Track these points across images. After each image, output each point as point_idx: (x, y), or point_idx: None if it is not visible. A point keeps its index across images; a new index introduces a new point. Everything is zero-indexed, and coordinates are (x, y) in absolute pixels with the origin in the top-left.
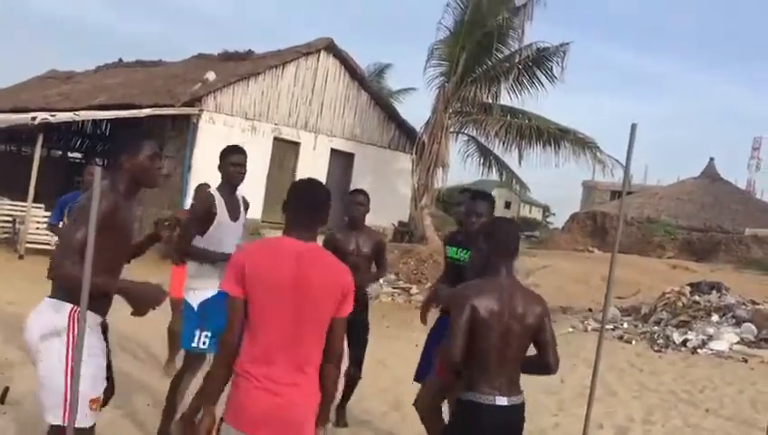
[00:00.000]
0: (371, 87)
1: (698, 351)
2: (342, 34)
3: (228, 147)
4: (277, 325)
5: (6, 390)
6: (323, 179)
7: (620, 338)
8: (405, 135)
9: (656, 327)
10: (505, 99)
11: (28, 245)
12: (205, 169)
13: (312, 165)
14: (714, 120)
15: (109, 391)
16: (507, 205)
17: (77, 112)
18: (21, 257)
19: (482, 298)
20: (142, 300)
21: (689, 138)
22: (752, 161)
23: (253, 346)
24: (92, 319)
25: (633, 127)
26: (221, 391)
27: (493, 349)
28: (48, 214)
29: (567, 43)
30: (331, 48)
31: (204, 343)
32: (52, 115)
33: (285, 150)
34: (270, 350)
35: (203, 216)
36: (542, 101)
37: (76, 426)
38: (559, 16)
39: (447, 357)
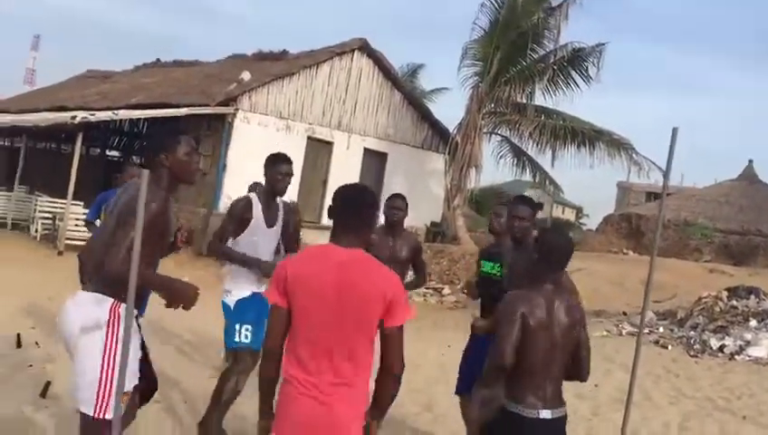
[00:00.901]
0: (405, 87)
1: (736, 357)
2: (375, 34)
3: (276, 155)
4: (321, 333)
5: (48, 384)
6: (356, 179)
7: (656, 343)
8: (438, 135)
9: (692, 332)
10: (539, 99)
11: (67, 241)
12: (239, 168)
13: (345, 164)
14: (753, 121)
15: (153, 386)
16: (539, 205)
17: (115, 111)
18: (60, 254)
19: (531, 308)
20: (178, 297)
21: (727, 139)
22: None
23: (297, 353)
24: (132, 315)
25: (674, 131)
26: (271, 395)
27: (539, 359)
28: (87, 211)
29: (603, 44)
30: (364, 48)
31: (246, 337)
32: (91, 114)
33: (319, 150)
34: (314, 357)
35: (237, 220)
36: (576, 102)
37: (105, 417)
38: (596, 13)
39: (495, 361)
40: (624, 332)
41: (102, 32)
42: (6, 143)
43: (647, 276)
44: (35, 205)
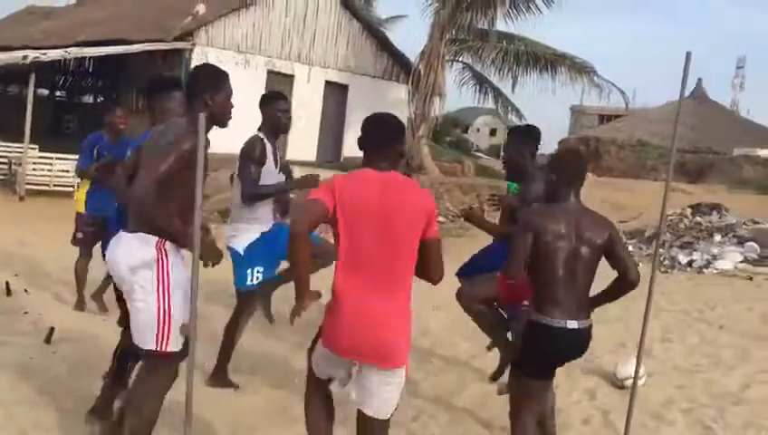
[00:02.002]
0: (363, 16)
1: (704, 270)
2: None
3: (271, 93)
4: (368, 250)
5: (52, 330)
6: (318, 112)
7: None
8: (399, 65)
9: (660, 249)
10: (501, 25)
11: (27, 186)
12: None
13: (307, 97)
14: (700, 40)
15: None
16: (493, 132)
17: (67, 50)
18: (21, 199)
19: (547, 222)
20: (204, 256)
21: (675, 58)
22: (736, 80)
23: (345, 271)
24: (176, 251)
25: (688, 55)
26: (308, 275)
27: (561, 271)
28: (44, 155)
29: None
30: None
31: (257, 279)
32: (43, 53)
33: (280, 83)
34: (361, 274)
35: (259, 162)
36: (537, 27)
37: (169, 350)
38: None
39: (506, 274)
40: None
41: None
42: None
43: (610, 198)
44: None
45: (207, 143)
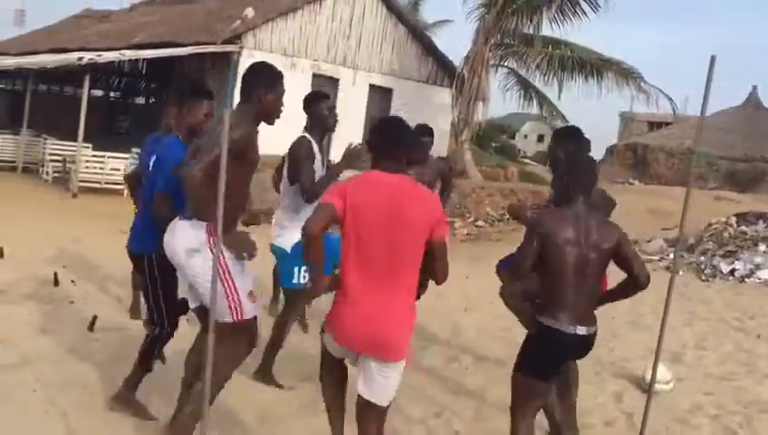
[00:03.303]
0: (409, 21)
1: (746, 280)
2: None
3: (315, 92)
4: (373, 250)
5: (95, 318)
6: (362, 115)
7: (667, 268)
8: (443, 69)
9: (702, 257)
10: (547, 29)
11: (80, 184)
12: None
13: (352, 101)
14: (757, 48)
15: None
16: (540, 138)
17: (122, 52)
18: (74, 196)
19: (557, 225)
20: (238, 249)
21: (731, 66)
22: None
23: (351, 268)
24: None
25: (712, 59)
26: (321, 265)
27: (569, 274)
28: (96, 153)
29: None
30: None
31: (304, 277)
32: (98, 55)
33: (325, 87)
34: (365, 272)
35: (311, 160)
36: (585, 31)
37: (244, 318)
38: None
39: (514, 272)
40: None
41: None
42: (6, 86)
43: (654, 205)
44: (44, 148)
45: (254, 132)
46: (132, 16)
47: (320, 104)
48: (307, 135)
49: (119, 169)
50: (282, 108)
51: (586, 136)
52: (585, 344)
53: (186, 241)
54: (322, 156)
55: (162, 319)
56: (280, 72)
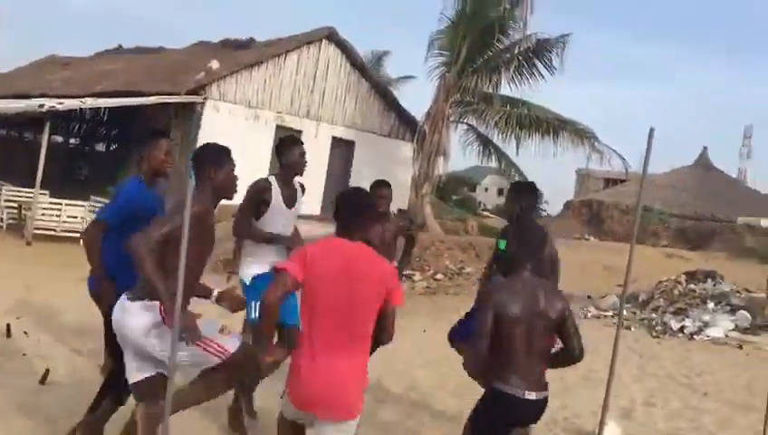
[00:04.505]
0: (372, 76)
1: (695, 337)
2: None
3: (287, 137)
4: (330, 314)
5: (47, 372)
6: (325, 167)
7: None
8: (405, 124)
9: (653, 314)
10: (505, 89)
11: (35, 231)
12: None
13: (314, 153)
14: (706, 110)
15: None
16: (500, 191)
17: (83, 100)
18: (29, 244)
19: (507, 297)
20: (186, 332)
21: (682, 127)
22: (743, 149)
23: (309, 331)
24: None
25: (651, 131)
26: (271, 334)
27: (519, 344)
28: (54, 200)
29: (567, 35)
30: (332, 37)
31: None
32: (59, 102)
33: None
34: (322, 335)
35: (256, 201)
36: (541, 91)
37: (232, 351)
38: (560, 4)
39: (474, 351)
40: (589, 315)
41: (58, 15)
42: None
43: (608, 262)
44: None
45: (214, 216)
46: (96, 64)
47: (293, 150)
48: (270, 177)
49: (76, 217)
50: (236, 181)
51: (538, 190)
52: (536, 410)
53: (142, 323)
54: (287, 197)
55: None
56: (227, 148)
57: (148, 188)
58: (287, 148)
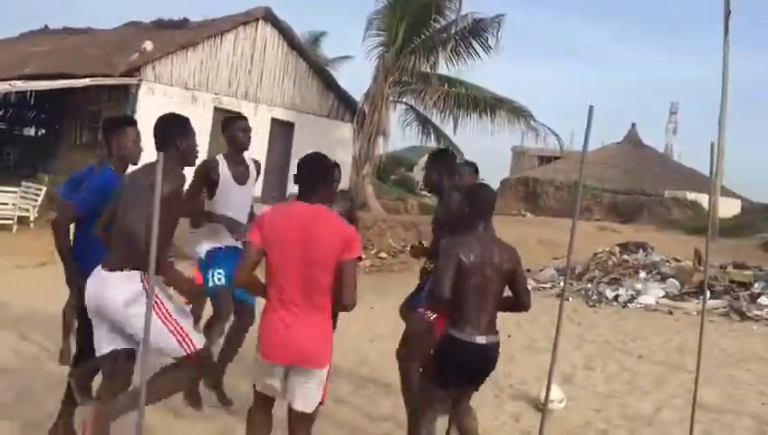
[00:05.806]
0: (310, 57)
1: (628, 305)
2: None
3: (230, 116)
4: (290, 270)
5: None
6: (264, 149)
7: (558, 296)
8: (344, 104)
9: (589, 285)
10: (443, 69)
11: None
12: (145, 140)
13: (254, 135)
14: (634, 87)
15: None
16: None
17: (12, 83)
18: None
19: (465, 249)
20: (181, 286)
21: (611, 103)
22: (669, 125)
23: (272, 288)
24: (157, 280)
25: (591, 109)
26: (258, 290)
27: (473, 293)
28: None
29: (501, 15)
30: (268, 17)
31: (219, 280)
32: None
33: None
34: (285, 290)
35: (202, 180)
36: (478, 70)
37: (198, 347)
38: None
39: (437, 295)
40: (529, 287)
41: None
42: None
43: (544, 236)
44: None
45: (183, 180)
46: (21, 45)
47: (234, 125)
48: (218, 156)
49: (6, 204)
50: (197, 149)
51: (455, 154)
52: (486, 356)
53: (123, 294)
54: (238, 174)
55: None
56: (186, 117)
57: (117, 178)
58: (229, 124)
